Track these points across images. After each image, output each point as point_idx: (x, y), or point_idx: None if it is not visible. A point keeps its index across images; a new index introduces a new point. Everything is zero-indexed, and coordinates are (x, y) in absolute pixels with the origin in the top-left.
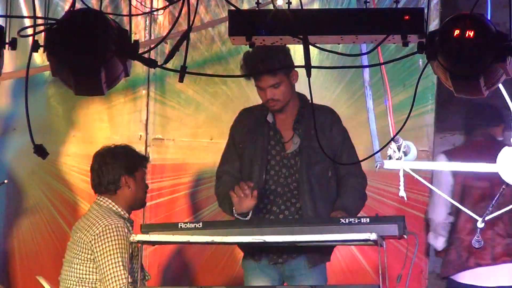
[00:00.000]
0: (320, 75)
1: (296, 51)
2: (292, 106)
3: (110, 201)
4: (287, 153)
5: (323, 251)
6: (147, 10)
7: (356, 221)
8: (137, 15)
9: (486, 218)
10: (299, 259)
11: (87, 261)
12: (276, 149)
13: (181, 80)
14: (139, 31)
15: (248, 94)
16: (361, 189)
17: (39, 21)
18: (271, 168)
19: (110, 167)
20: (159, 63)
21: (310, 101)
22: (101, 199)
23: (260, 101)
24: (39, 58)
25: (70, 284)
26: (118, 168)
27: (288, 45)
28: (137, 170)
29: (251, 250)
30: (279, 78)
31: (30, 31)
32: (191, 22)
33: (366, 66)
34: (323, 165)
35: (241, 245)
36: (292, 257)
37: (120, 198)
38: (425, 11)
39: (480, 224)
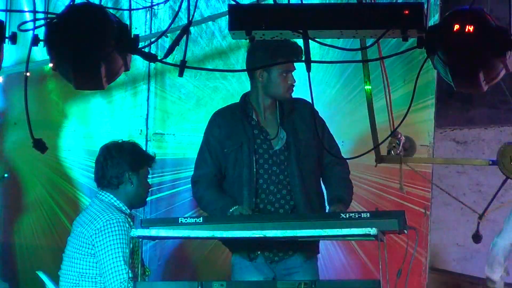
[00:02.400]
0: (320, 70)
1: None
2: (275, 103)
3: (112, 196)
4: (275, 150)
5: (312, 245)
6: (148, 4)
7: (357, 216)
8: (137, 9)
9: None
10: (295, 256)
11: (88, 255)
12: (263, 147)
13: (181, 74)
14: (139, 25)
15: (248, 89)
16: (347, 177)
17: (40, 16)
18: (260, 167)
19: (115, 161)
20: (159, 58)
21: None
22: (102, 193)
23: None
24: (39, 52)
25: (70, 279)
26: (123, 163)
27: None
28: (142, 168)
29: (245, 248)
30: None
31: (30, 25)
32: (191, 17)
33: (366, 61)
34: (311, 157)
35: (236, 242)
36: (288, 254)
37: (121, 193)
38: (425, 5)
39: (479, 219)
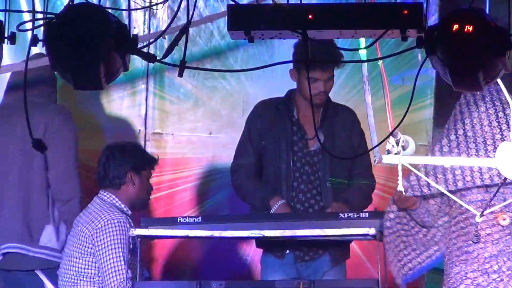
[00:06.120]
0: None
1: None
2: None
3: (113, 196)
4: (310, 150)
5: (343, 248)
6: (147, 4)
7: (355, 216)
8: (136, 9)
9: (485, 212)
10: (324, 257)
11: (87, 254)
12: (298, 146)
13: (180, 74)
14: (138, 25)
15: (247, 89)
16: (368, 190)
17: (38, 16)
18: (294, 165)
19: (117, 162)
20: (158, 58)
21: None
22: (104, 193)
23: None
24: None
25: (69, 278)
26: (126, 163)
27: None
28: (144, 169)
29: (273, 246)
30: (332, 72)
31: (29, 25)
32: (190, 17)
33: (364, 61)
34: (344, 165)
35: (263, 240)
36: (318, 254)
37: (123, 194)
38: (424, 5)
39: (478, 219)
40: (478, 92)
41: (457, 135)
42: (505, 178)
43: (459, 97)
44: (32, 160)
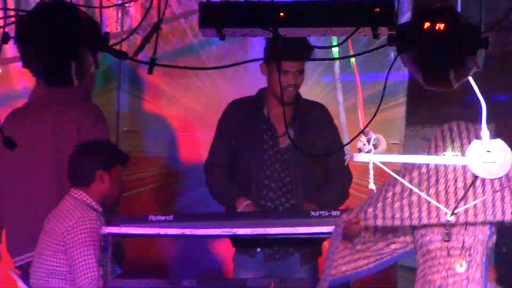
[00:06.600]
0: None
1: None
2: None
3: (84, 194)
4: (281, 147)
5: (315, 246)
6: (119, 2)
7: (326, 214)
8: (109, 7)
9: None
10: (295, 255)
11: (58, 252)
12: (269, 144)
13: (150, 72)
14: (110, 23)
15: (220, 87)
16: (345, 185)
17: (10, 13)
18: (264, 163)
19: (86, 160)
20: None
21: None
22: (75, 191)
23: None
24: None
25: (40, 276)
26: (94, 161)
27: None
28: (114, 166)
29: (245, 245)
30: (303, 65)
31: (0, 22)
32: (161, 14)
33: (336, 59)
34: (317, 161)
35: (235, 238)
36: (289, 252)
37: (93, 192)
38: (396, 3)
39: (449, 217)
40: (456, 129)
41: (429, 168)
42: (476, 177)
43: (431, 95)
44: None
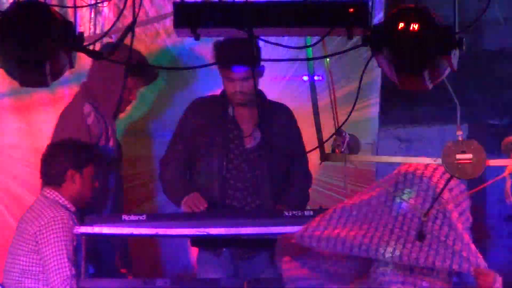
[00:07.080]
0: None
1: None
2: (254, 101)
3: (56, 193)
4: (247, 148)
5: None
6: (92, 2)
7: (300, 214)
8: (82, 7)
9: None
10: (263, 254)
11: (31, 252)
12: (235, 143)
13: (126, 75)
14: (84, 23)
15: (193, 88)
16: (306, 190)
17: None
18: (230, 162)
19: (58, 159)
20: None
21: (259, 96)
22: (47, 191)
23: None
24: None
25: (13, 276)
26: (66, 161)
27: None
28: (86, 166)
29: (209, 244)
30: (249, 72)
31: None
32: (136, 15)
33: (311, 59)
34: (282, 162)
35: (202, 238)
36: (256, 251)
37: (65, 191)
38: (370, 3)
39: (423, 218)
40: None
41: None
42: (451, 176)
43: (404, 95)
44: None
